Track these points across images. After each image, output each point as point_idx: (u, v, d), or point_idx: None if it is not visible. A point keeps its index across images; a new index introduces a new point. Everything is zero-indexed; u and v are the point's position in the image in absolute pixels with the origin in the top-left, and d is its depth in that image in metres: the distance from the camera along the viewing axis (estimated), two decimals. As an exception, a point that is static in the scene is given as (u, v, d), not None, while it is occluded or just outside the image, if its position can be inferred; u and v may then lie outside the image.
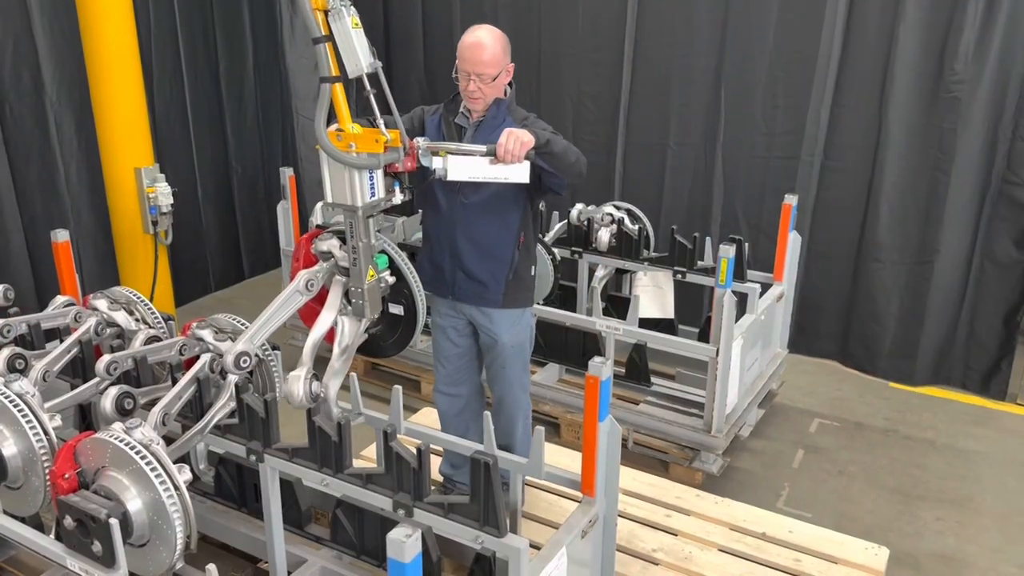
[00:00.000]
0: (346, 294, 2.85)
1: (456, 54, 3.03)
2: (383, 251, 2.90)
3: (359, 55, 2.60)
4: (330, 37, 2.55)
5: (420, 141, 2.77)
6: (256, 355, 2.78)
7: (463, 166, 2.75)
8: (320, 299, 2.85)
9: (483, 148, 2.73)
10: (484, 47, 2.99)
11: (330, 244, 2.86)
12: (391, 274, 2.92)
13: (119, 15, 4.86)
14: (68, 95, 5.33)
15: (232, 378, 2.67)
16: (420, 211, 3.81)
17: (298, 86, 6.93)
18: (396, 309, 2.98)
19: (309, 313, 2.89)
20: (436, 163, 2.76)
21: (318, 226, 4.89)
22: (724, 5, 5.19)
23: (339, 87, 2.59)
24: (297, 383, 2.69)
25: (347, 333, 2.85)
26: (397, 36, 6.71)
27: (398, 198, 2.78)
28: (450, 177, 2.77)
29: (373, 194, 2.67)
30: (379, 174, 2.68)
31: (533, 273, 3.34)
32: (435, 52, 6.53)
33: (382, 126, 2.64)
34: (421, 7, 6.49)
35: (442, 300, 3.32)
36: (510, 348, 3.30)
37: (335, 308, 2.82)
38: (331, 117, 2.64)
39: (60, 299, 3.19)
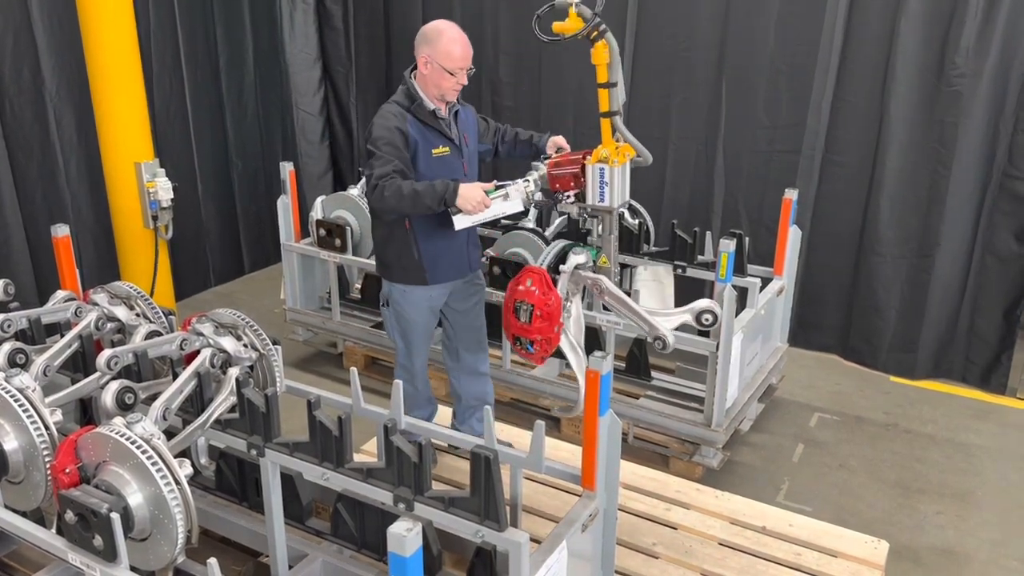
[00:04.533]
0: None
1: (442, 56, 3.20)
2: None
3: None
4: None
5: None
6: (258, 350, 2.80)
7: None
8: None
9: None
10: (469, 42, 3.28)
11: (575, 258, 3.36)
12: None
13: (119, 9, 4.85)
14: (68, 90, 5.33)
15: (233, 372, 2.68)
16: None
17: (298, 81, 6.94)
18: None
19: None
20: None
21: (318, 221, 4.91)
22: (725, -2, 5.19)
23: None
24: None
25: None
26: (397, 34, 6.69)
27: None
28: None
29: None
30: None
31: None
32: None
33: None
34: (421, 5, 6.47)
35: (448, 284, 3.48)
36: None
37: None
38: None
39: (60, 294, 3.19)
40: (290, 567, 2.74)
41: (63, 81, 5.30)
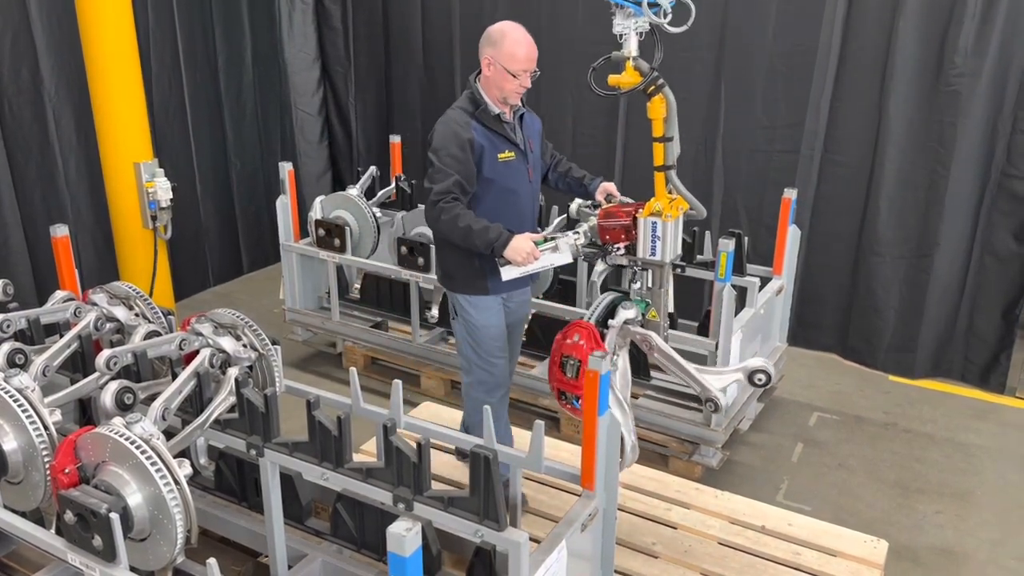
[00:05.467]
0: None
1: (505, 57, 3.13)
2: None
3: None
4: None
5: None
6: (257, 350, 2.80)
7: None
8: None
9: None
10: (534, 44, 3.20)
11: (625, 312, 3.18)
12: None
13: (118, 10, 4.85)
14: (67, 90, 5.32)
15: (232, 372, 2.68)
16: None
17: (297, 81, 6.94)
18: None
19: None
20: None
21: (317, 221, 4.91)
22: (724, -2, 5.19)
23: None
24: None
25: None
26: (396, 34, 6.69)
27: None
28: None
29: None
30: None
31: None
32: (434, 48, 6.51)
33: None
34: (420, 5, 6.47)
35: (511, 293, 3.38)
36: None
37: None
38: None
39: (59, 294, 3.19)
40: (290, 567, 2.74)
41: (62, 81, 5.29)
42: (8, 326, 2.93)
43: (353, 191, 5.05)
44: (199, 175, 6.39)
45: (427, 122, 6.65)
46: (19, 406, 2.36)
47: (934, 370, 5.16)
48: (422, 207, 4.81)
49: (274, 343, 2.83)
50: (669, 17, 3.00)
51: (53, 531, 2.41)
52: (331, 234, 4.88)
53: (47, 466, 2.34)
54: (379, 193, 5.30)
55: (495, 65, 3.15)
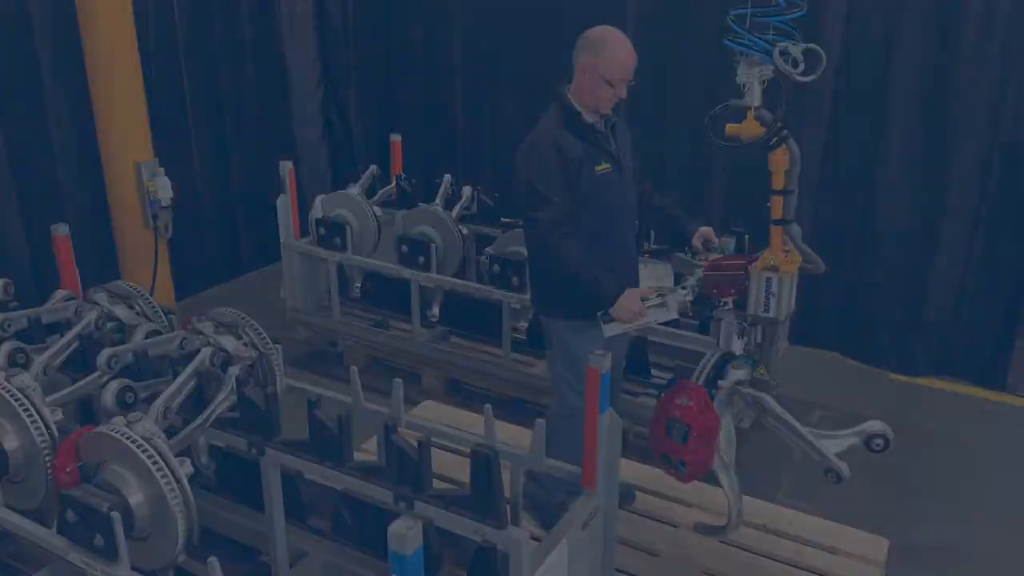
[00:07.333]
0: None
1: (605, 65, 2.97)
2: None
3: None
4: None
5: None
6: (258, 349, 2.80)
7: None
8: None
9: None
10: (634, 52, 3.04)
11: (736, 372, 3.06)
12: None
13: (118, 9, 4.85)
14: (67, 89, 5.31)
15: (233, 371, 2.68)
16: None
17: (297, 79, 6.93)
18: None
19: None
20: None
21: (318, 220, 4.90)
22: (724, -5, 5.18)
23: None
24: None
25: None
26: (397, 32, 6.69)
27: None
28: None
29: None
30: None
31: None
32: (434, 48, 6.51)
33: None
34: (421, 1, 6.47)
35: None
36: None
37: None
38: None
39: (60, 293, 3.20)
40: (290, 566, 2.74)
41: (62, 81, 5.28)
42: (9, 325, 2.94)
43: (354, 190, 5.05)
44: (200, 174, 6.38)
45: (427, 122, 6.65)
46: (20, 405, 2.36)
47: (935, 368, 5.16)
48: (423, 205, 4.82)
49: (275, 342, 2.84)
50: (801, 67, 2.84)
51: (55, 530, 2.41)
52: (332, 233, 4.88)
53: (48, 465, 2.34)
54: (379, 192, 5.29)
55: (592, 72, 2.97)
